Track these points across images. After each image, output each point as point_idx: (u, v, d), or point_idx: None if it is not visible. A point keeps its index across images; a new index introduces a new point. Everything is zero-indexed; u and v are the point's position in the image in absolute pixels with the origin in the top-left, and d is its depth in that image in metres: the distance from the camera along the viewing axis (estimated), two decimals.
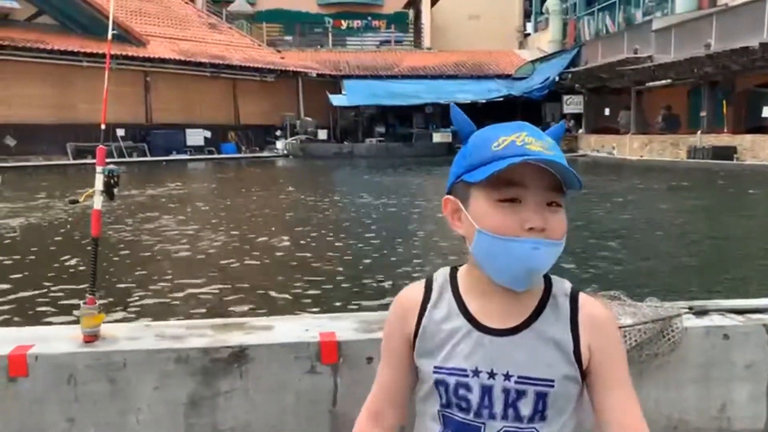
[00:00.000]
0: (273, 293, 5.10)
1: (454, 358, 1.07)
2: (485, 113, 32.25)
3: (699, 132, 20.96)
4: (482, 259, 1.04)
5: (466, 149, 1.07)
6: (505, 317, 1.07)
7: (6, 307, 4.60)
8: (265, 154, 29.68)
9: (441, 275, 1.16)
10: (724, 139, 20.03)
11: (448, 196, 1.09)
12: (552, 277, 1.12)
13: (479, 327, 1.07)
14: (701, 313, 1.88)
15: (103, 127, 1.93)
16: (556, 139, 1.08)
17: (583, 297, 1.11)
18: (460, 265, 1.16)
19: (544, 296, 1.09)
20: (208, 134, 28.64)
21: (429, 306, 1.12)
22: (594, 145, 27.54)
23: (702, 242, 7.81)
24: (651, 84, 24.72)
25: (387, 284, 5.43)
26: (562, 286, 1.12)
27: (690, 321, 1.84)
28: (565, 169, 0.98)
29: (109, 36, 1.90)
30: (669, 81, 23.58)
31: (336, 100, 31.34)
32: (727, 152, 19.10)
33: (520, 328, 1.06)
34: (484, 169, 0.99)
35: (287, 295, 5.03)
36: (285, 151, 29.44)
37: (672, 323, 1.73)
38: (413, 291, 1.16)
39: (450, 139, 29.98)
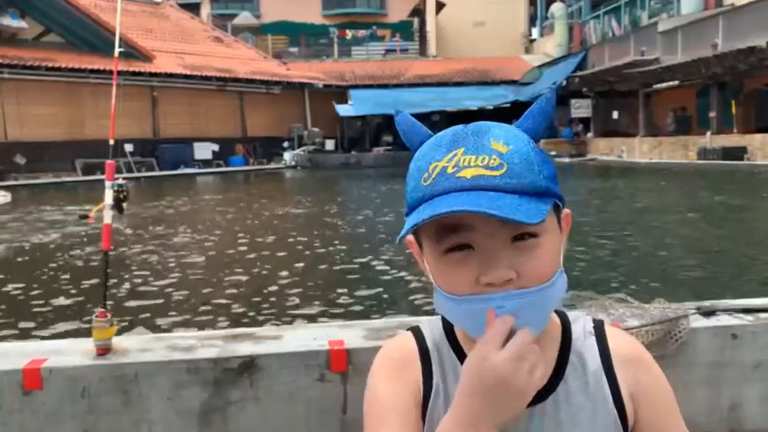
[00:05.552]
0: (282, 303, 5.12)
1: None
2: (494, 120, 32.39)
3: (708, 133, 20.87)
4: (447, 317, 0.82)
5: (407, 175, 0.82)
6: None
7: (19, 322, 4.64)
8: (273, 165, 29.81)
9: (432, 329, 0.89)
10: (733, 140, 19.94)
11: (408, 238, 0.84)
12: (567, 312, 0.90)
13: None
14: (709, 313, 1.88)
15: (111, 142, 1.96)
16: (537, 124, 0.80)
17: (610, 333, 0.88)
18: None
19: (564, 340, 0.85)
20: (216, 147, 28.81)
21: (434, 368, 0.85)
22: (603, 149, 27.47)
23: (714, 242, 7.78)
24: (659, 86, 24.67)
25: (395, 293, 5.44)
26: (583, 322, 0.88)
27: (698, 321, 1.84)
28: (507, 210, 0.70)
29: (116, 53, 1.93)
30: (677, 82, 23.53)
31: (342, 110, 31.48)
32: (738, 152, 19.02)
33: (548, 390, 0.81)
34: (408, 220, 0.77)
35: (296, 305, 5.04)
36: (293, 163, 29.56)
37: (679, 324, 1.73)
38: (404, 341, 0.89)
39: None
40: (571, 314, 0.90)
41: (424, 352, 0.87)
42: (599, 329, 0.87)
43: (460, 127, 0.79)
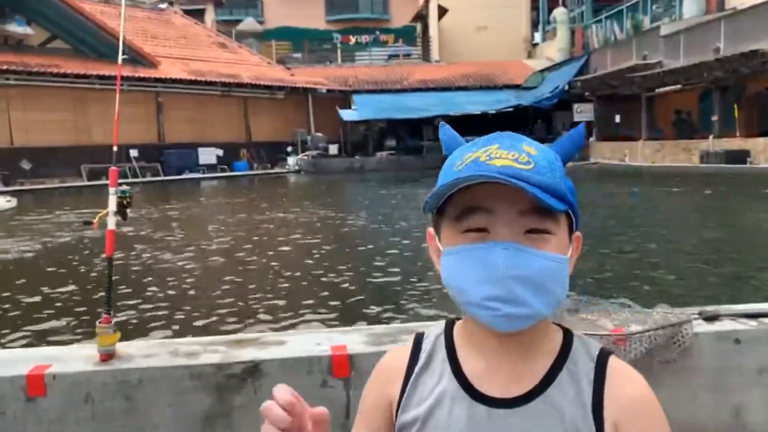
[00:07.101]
0: (285, 308, 5.12)
1: None
2: (496, 124, 32.37)
3: (711, 136, 20.84)
4: (451, 286, 0.84)
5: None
6: (509, 383, 0.85)
7: (23, 328, 4.66)
8: (277, 170, 29.86)
9: (434, 330, 0.96)
10: (736, 143, 19.90)
11: (429, 230, 0.91)
12: (575, 333, 0.90)
13: (475, 394, 0.85)
14: (712, 318, 1.88)
15: (115, 149, 1.97)
16: (568, 151, 0.88)
17: (613, 363, 0.86)
18: (459, 318, 0.95)
19: (560, 356, 0.86)
20: (221, 152, 28.87)
21: (417, 368, 0.91)
22: (605, 153, 27.45)
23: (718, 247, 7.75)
24: (661, 90, 24.64)
25: (397, 298, 5.44)
26: (586, 345, 0.88)
27: (701, 326, 1.84)
28: (531, 187, 0.76)
29: (119, 60, 1.95)
30: (679, 86, 23.50)
31: (346, 115, 31.51)
32: (741, 156, 18.98)
33: (529, 398, 0.84)
34: (436, 189, 0.82)
35: (299, 310, 5.05)
36: (296, 167, 29.60)
37: (682, 329, 1.73)
38: (399, 351, 0.96)
39: None
40: (581, 337, 0.90)
41: (412, 363, 0.92)
42: (603, 359, 0.86)
43: (504, 133, 0.86)
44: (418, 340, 0.96)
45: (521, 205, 0.79)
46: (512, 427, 0.83)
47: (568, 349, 0.87)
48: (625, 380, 0.85)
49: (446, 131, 0.94)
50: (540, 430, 0.82)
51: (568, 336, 0.89)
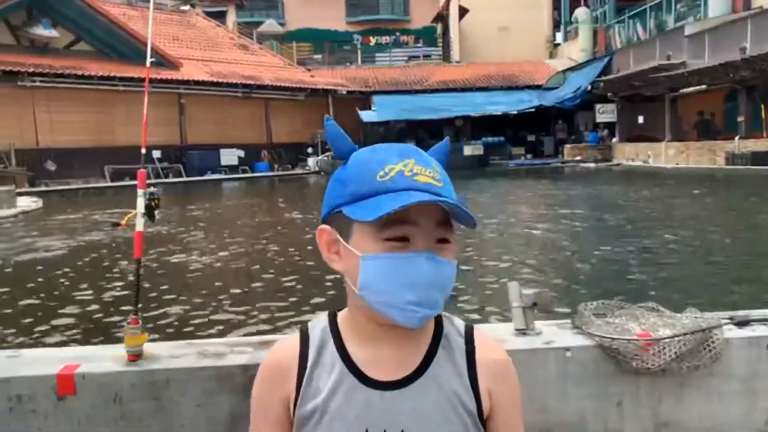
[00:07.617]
0: (309, 309, 5.13)
1: (341, 420, 0.94)
2: (518, 125, 32.16)
3: (737, 137, 20.52)
4: (370, 287, 0.91)
5: (344, 173, 0.95)
6: (395, 366, 0.96)
7: (52, 327, 4.72)
8: (298, 171, 29.99)
9: (318, 324, 1.03)
10: (763, 144, 19.57)
11: (324, 227, 0.98)
12: (442, 314, 1.01)
13: (366, 381, 0.95)
14: (743, 323, 1.85)
15: (143, 151, 1.99)
16: (442, 159, 0.98)
17: (478, 336, 1.01)
18: (339, 310, 1.05)
19: (435, 336, 0.99)
20: (242, 153, 29.08)
21: (309, 361, 0.99)
22: (628, 154, 27.17)
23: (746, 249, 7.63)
24: (685, 90, 24.32)
25: None
26: (454, 323, 1.02)
27: (731, 332, 1.81)
28: (460, 209, 0.88)
29: (148, 63, 1.96)
30: (704, 87, 23.17)
31: (366, 116, 31.54)
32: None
33: (413, 378, 0.95)
34: (370, 205, 0.88)
35: (323, 311, 5.05)
36: (316, 168, 29.71)
37: (712, 334, 1.71)
38: (287, 347, 1.02)
39: (482, 152, 29.90)
40: (447, 316, 1.02)
41: (304, 358, 0.99)
42: (469, 334, 1.01)
43: (402, 144, 0.96)
44: (305, 334, 1.02)
45: (436, 218, 0.90)
46: (403, 406, 0.93)
47: (441, 330, 1.00)
48: (490, 349, 1.01)
49: (336, 131, 0.97)
50: (427, 404, 0.93)
51: (438, 318, 1.01)
